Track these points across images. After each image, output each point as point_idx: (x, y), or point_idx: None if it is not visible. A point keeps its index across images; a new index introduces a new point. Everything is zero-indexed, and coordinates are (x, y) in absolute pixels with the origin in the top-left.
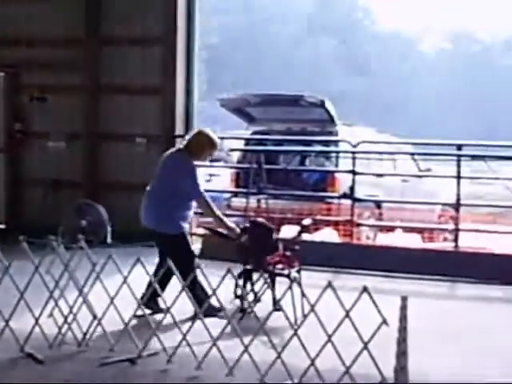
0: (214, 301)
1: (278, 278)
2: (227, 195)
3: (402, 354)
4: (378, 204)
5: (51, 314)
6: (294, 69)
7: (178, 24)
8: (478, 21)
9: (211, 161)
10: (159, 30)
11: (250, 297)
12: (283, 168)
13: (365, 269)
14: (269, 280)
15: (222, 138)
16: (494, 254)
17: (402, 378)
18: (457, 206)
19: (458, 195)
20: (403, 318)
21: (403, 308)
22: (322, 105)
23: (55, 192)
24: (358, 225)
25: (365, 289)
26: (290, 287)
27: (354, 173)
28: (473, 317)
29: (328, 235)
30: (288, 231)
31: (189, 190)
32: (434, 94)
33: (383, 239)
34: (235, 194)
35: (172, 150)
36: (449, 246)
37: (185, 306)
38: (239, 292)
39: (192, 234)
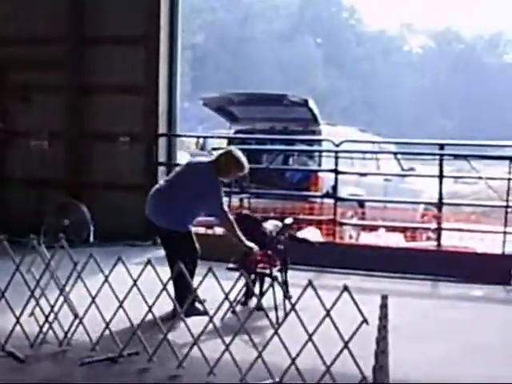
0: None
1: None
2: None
3: (381, 352)
4: (361, 203)
5: (32, 313)
6: (279, 68)
7: (161, 23)
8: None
9: None
10: (142, 29)
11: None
12: (266, 167)
13: (347, 268)
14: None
15: (204, 137)
16: (476, 254)
17: (381, 377)
18: (439, 205)
19: (441, 194)
20: (383, 317)
21: (383, 307)
22: (305, 104)
23: (38, 191)
24: (341, 224)
25: (345, 288)
26: (271, 286)
27: (336, 172)
28: (455, 315)
29: (311, 234)
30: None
31: (211, 206)
32: (418, 92)
33: (366, 238)
34: None
35: (202, 159)
36: (431, 245)
37: (167, 306)
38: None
39: None
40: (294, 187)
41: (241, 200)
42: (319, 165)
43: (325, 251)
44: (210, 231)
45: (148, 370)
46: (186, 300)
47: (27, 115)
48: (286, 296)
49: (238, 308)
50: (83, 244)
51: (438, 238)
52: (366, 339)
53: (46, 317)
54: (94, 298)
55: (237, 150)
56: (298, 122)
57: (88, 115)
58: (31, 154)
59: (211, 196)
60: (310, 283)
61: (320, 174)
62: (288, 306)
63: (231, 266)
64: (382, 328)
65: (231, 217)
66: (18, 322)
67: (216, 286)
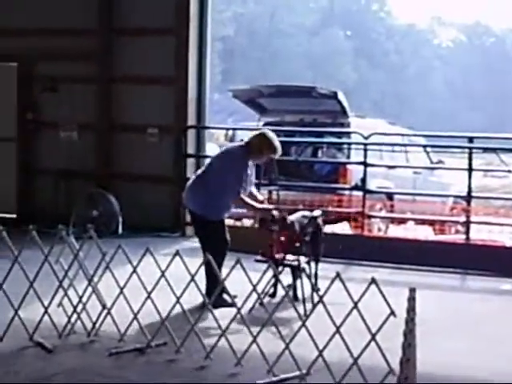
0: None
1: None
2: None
3: (408, 345)
4: (390, 196)
5: (61, 304)
6: (309, 61)
7: (190, 14)
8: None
9: None
10: (171, 20)
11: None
12: (295, 159)
13: (376, 261)
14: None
15: (233, 129)
16: (505, 247)
17: (408, 370)
18: (468, 198)
19: (470, 187)
20: (411, 310)
21: (411, 299)
22: (334, 96)
23: (67, 182)
24: (370, 217)
25: (373, 280)
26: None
27: (365, 164)
28: (483, 309)
29: (339, 227)
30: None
31: (230, 186)
32: (448, 86)
33: (395, 231)
34: None
35: (234, 144)
36: (460, 238)
37: (195, 297)
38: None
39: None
40: (322, 180)
41: (269, 192)
42: (348, 157)
43: (353, 244)
44: (238, 223)
45: (176, 361)
46: (214, 291)
47: (56, 106)
48: (314, 288)
49: (266, 300)
50: (112, 235)
51: (467, 232)
52: (394, 332)
53: (75, 307)
54: (122, 289)
55: (270, 132)
56: (326, 114)
57: (117, 107)
58: (60, 145)
59: (231, 173)
60: (338, 275)
61: (349, 166)
62: (316, 299)
63: (259, 257)
64: (410, 321)
65: (244, 196)
66: (46, 312)
67: (244, 278)
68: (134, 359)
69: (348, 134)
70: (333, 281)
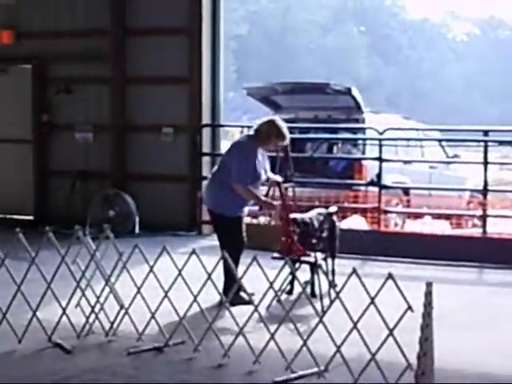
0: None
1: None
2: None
3: (425, 340)
4: (406, 191)
5: (78, 304)
6: (323, 57)
7: (203, 13)
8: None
9: None
10: (185, 19)
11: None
12: (310, 156)
13: (393, 256)
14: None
15: (248, 127)
16: None
17: (425, 364)
18: (485, 192)
19: (486, 181)
20: (428, 304)
21: (428, 294)
22: (348, 92)
23: (83, 183)
24: (386, 212)
25: (390, 275)
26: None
27: (381, 160)
28: (500, 303)
29: (356, 223)
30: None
31: (231, 168)
32: (463, 80)
33: (411, 226)
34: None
35: (243, 134)
36: (477, 232)
37: (212, 295)
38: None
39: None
40: (338, 176)
41: (285, 189)
42: (363, 153)
43: (370, 239)
44: (254, 221)
45: (194, 360)
46: (231, 289)
47: (71, 108)
48: (331, 284)
49: (283, 297)
50: (128, 235)
51: (484, 225)
52: (411, 327)
53: (92, 307)
54: (139, 289)
55: (279, 120)
56: (341, 110)
57: (132, 107)
58: (76, 146)
59: (234, 158)
60: (355, 271)
61: (364, 162)
62: (333, 295)
63: (276, 255)
64: (427, 315)
65: (247, 186)
66: (64, 313)
67: (261, 276)
68: (152, 358)
69: (363, 129)
70: (349, 277)
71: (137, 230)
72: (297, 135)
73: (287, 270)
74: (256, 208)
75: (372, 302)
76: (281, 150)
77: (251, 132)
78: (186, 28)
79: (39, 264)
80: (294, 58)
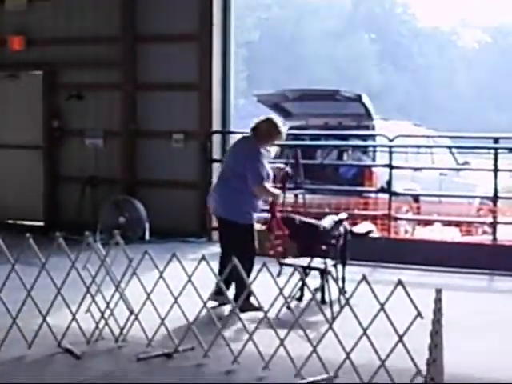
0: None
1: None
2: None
3: (434, 346)
4: (416, 198)
5: (88, 310)
6: (334, 65)
7: (213, 20)
8: None
9: None
10: (195, 26)
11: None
12: (320, 163)
13: (403, 263)
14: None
15: None
16: None
17: (434, 371)
18: (495, 199)
19: (496, 188)
20: (437, 311)
21: (437, 300)
22: (358, 99)
23: (93, 189)
24: (396, 219)
25: (399, 282)
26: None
27: (391, 167)
28: (511, 309)
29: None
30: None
31: (249, 177)
32: (474, 87)
33: (421, 233)
34: None
35: (239, 137)
36: (487, 239)
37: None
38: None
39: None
40: (348, 182)
41: (295, 196)
42: (373, 160)
43: (380, 246)
44: (264, 227)
45: (203, 366)
46: (241, 296)
47: (82, 114)
48: (341, 291)
49: (293, 304)
50: (139, 241)
51: (494, 232)
52: (421, 333)
53: (102, 313)
54: (149, 294)
55: (274, 116)
56: (351, 117)
57: (142, 113)
58: (86, 152)
59: (248, 165)
60: (364, 278)
61: (374, 169)
62: (343, 301)
63: (285, 261)
64: (436, 322)
65: (267, 186)
66: (74, 318)
67: (271, 282)
68: (162, 364)
69: (373, 136)
70: (359, 283)
71: (147, 236)
72: (307, 142)
73: (297, 276)
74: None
75: (382, 308)
76: (291, 157)
77: (249, 133)
78: (197, 34)
79: (49, 270)
80: (305, 66)
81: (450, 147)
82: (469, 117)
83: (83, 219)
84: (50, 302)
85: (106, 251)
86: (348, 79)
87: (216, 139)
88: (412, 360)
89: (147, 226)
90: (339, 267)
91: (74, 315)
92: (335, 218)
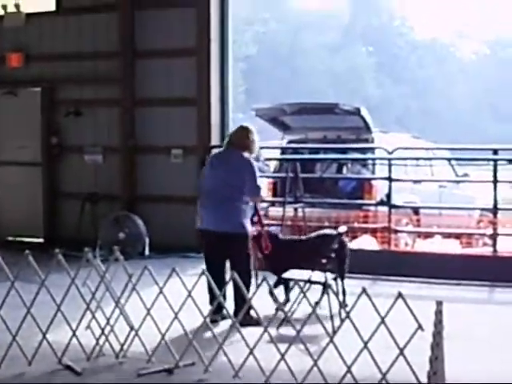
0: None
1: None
2: (264, 204)
3: (435, 359)
4: (416, 210)
5: (88, 326)
6: (331, 78)
7: (211, 35)
8: None
9: None
10: (193, 41)
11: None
12: (319, 176)
13: (403, 275)
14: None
15: (260, 148)
16: None
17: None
18: (495, 210)
19: (496, 200)
20: (438, 323)
21: (438, 313)
22: (357, 112)
23: (92, 205)
24: (396, 231)
25: (400, 295)
26: (324, 293)
27: (390, 179)
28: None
29: (366, 242)
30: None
31: (250, 187)
32: (472, 99)
33: (422, 245)
34: (272, 203)
35: (219, 151)
36: (488, 251)
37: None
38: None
39: None
40: (347, 196)
41: (295, 210)
42: (373, 173)
43: (380, 259)
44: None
45: (204, 381)
46: (241, 310)
47: (80, 130)
48: (341, 305)
49: (294, 317)
50: (138, 257)
51: (494, 244)
52: (422, 346)
53: (102, 329)
54: (149, 310)
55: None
56: (350, 130)
57: (141, 129)
58: (85, 168)
59: (248, 177)
60: (364, 291)
61: (374, 181)
62: (343, 315)
63: (286, 275)
64: (437, 334)
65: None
66: (74, 335)
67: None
68: (163, 380)
69: (372, 149)
70: (359, 296)
71: (147, 251)
72: (306, 156)
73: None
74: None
75: (382, 321)
76: (291, 171)
77: (226, 144)
78: (195, 49)
79: (49, 286)
80: (303, 79)
81: (449, 159)
82: (468, 128)
83: (83, 235)
84: (50, 319)
85: (105, 267)
86: (346, 92)
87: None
88: (413, 373)
89: (147, 241)
90: (338, 281)
91: (74, 332)
92: (327, 231)
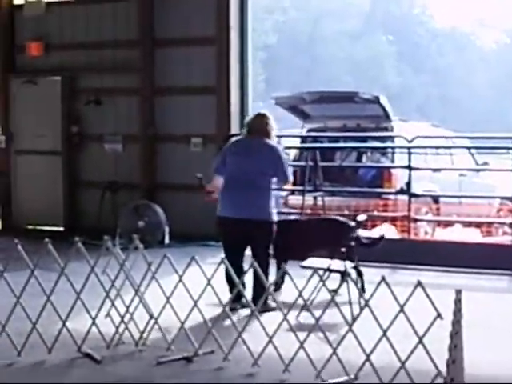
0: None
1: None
2: (284, 193)
3: (454, 347)
4: (436, 199)
5: (108, 314)
6: (351, 66)
7: (230, 24)
8: None
9: None
10: (213, 29)
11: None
12: (339, 165)
13: (422, 264)
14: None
15: (278, 137)
16: None
17: (454, 372)
18: None
19: None
20: (457, 311)
21: (457, 301)
22: (376, 101)
23: (112, 193)
24: (416, 220)
25: (419, 283)
26: (344, 281)
27: (410, 168)
28: None
29: (385, 231)
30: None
31: (280, 172)
32: (492, 87)
33: (441, 234)
34: (292, 192)
35: (236, 138)
36: (508, 239)
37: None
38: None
39: None
40: (367, 184)
41: (315, 198)
42: (392, 161)
43: (399, 248)
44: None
45: (223, 369)
46: (260, 298)
47: (101, 119)
48: (361, 293)
49: (313, 306)
50: (158, 245)
51: None
52: (441, 335)
53: (122, 317)
54: (168, 298)
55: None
56: (369, 119)
57: (160, 117)
58: (105, 157)
59: (279, 164)
60: (383, 279)
61: (393, 170)
62: (362, 303)
63: (305, 264)
64: (456, 322)
65: None
66: (94, 323)
67: (290, 284)
68: (182, 368)
69: (392, 138)
70: (378, 285)
71: (166, 240)
72: (326, 144)
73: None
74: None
75: (401, 309)
76: (310, 160)
77: (246, 131)
78: (214, 38)
79: (69, 274)
80: (323, 68)
81: (469, 148)
82: (488, 117)
83: (103, 224)
84: (70, 307)
85: (125, 255)
86: (366, 80)
87: (231, 140)
88: (432, 361)
89: (167, 230)
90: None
91: (93, 320)
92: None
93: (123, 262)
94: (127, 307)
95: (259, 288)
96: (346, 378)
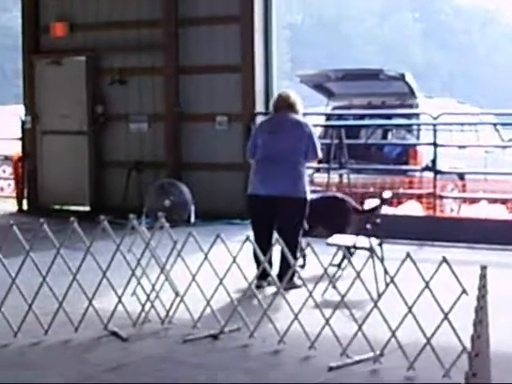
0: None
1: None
2: (309, 171)
3: (479, 322)
4: (461, 176)
5: (134, 293)
6: (377, 45)
7: (255, 1)
8: None
9: None
10: (236, 8)
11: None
12: (364, 142)
13: (448, 241)
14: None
15: (304, 115)
16: None
17: (478, 347)
18: None
19: None
20: (482, 287)
21: (482, 277)
22: (401, 78)
23: (138, 173)
24: (441, 197)
25: (444, 259)
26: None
27: (435, 145)
28: None
29: (411, 208)
30: (368, 204)
31: (310, 149)
32: None
33: (467, 211)
34: (317, 170)
35: (270, 115)
36: None
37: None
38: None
39: None
40: (392, 162)
41: (340, 176)
42: (418, 138)
43: (425, 225)
44: None
45: (249, 346)
46: (286, 275)
47: (125, 98)
48: (386, 270)
49: (338, 282)
50: (184, 224)
51: None
52: (467, 311)
53: (148, 296)
54: (194, 276)
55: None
56: (395, 96)
57: (185, 96)
58: (130, 136)
59: (311, 141)
60: (409, 256)
61: (418, 147)
62: (388, 280)
63: (330, 241)
64: (481, 298)
65: None
66: (120, 301)
67: (315, 261)
68: (208, 345)
69: (417, 115)
70: (403, 261)
71: (192, 219)
72: (351, 122)
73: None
74: None
75: (427, 286)
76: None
77: (274, 109)
78: (238, 16)
79: (94, 253)
80: (349, 47)
81: (495, 124)
82: None
83: (129, 204)
84: (96, 286)
85: (151, 234)
86: (392, 59)
87: (260, 121)
88: (458, 337)
89: (192, 208)
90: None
91: (119, 298)
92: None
93: (149, 240)
94: (153, 285)
95: (285, 266)
96: (371, 354)
